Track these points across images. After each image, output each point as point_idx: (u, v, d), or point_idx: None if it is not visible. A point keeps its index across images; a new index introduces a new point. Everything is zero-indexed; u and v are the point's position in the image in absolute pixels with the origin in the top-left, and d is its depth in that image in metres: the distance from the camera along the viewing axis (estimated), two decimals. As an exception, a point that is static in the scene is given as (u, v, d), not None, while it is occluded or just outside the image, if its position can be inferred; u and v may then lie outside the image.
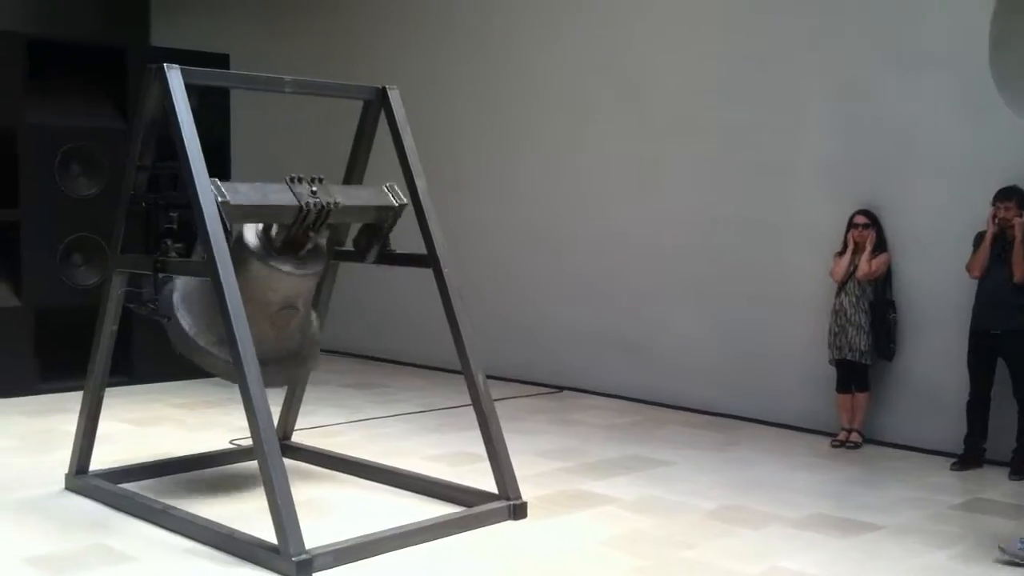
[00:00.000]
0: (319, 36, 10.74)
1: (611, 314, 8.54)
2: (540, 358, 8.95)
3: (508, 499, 5.25)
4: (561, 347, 8.85)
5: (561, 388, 8.76)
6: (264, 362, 4.87)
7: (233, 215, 4.86)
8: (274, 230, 5.26)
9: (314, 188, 5.13)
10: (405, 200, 5.49)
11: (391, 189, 5.49)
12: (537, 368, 8.94)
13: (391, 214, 5.48)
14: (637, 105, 8.35)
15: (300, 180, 5.14)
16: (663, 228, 8.24)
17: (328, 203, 5.14)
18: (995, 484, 6.17)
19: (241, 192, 4.96)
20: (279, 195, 5.07)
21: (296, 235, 5.23)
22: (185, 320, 5.30)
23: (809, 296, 7.37)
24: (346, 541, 4.63)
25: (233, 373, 4.73)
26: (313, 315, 5.80)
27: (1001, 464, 6.40)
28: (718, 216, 7.91)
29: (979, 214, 6.47)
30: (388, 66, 9.67)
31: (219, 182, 4.84)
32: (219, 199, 4.77)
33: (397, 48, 9.95)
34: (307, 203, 5.07)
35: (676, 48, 8.12)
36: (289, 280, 5.25)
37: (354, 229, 5.83)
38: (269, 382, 5.37)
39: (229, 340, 4.66)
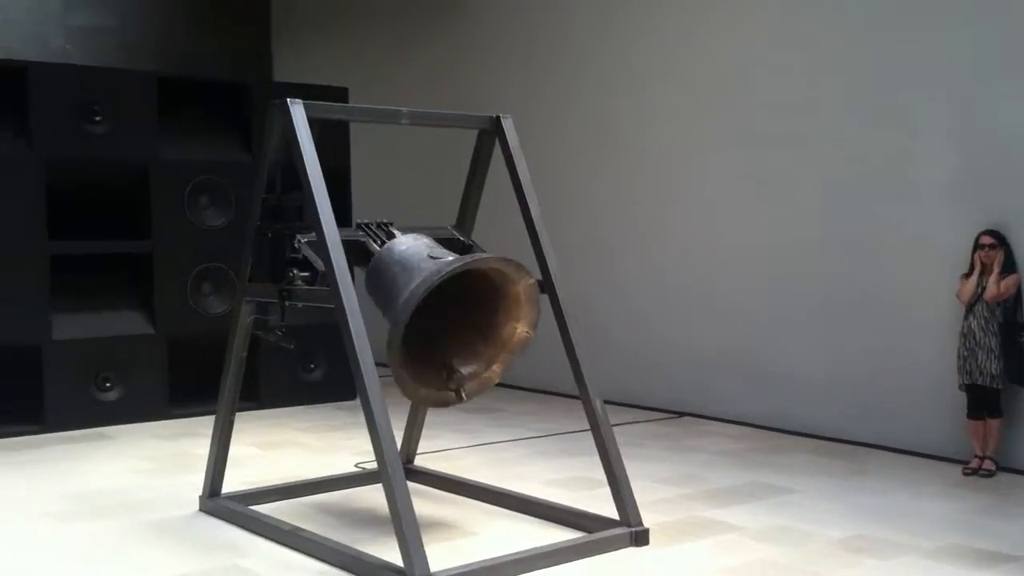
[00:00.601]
0: (436, 66, 10.96)
1: (730, 338, 8.43)
2: (657, 383, 8.89)
3: (629, 525, 5.22)
4: (679, 372, 8.78)
5: (680, 414, 8.68)
6: None
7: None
8: None
9: (381, 237, 5.29)
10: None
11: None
12: (654, 393, 8.87)
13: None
14: (752, 126, 8.26)
15: (368, 224, 5.36)
16: (784, 251, 8.11)
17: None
18: None
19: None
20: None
21: None
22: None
23: (936, 319, 7.15)
24: (469, 565, 4.67)
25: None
26: None
27: None
28: (840, 237, 7.75)
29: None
30: (502, 93, 9.80)
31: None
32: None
33: (511, 76, 10.08)
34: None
35: (789, 68, 8.02)
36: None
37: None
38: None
39: (352, 366, 4.76)
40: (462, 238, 5.83)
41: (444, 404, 5.30)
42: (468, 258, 5.06)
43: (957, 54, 7.07)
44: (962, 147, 7.09)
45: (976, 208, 6.95)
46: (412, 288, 4.73)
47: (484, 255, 5.25)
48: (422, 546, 4.49)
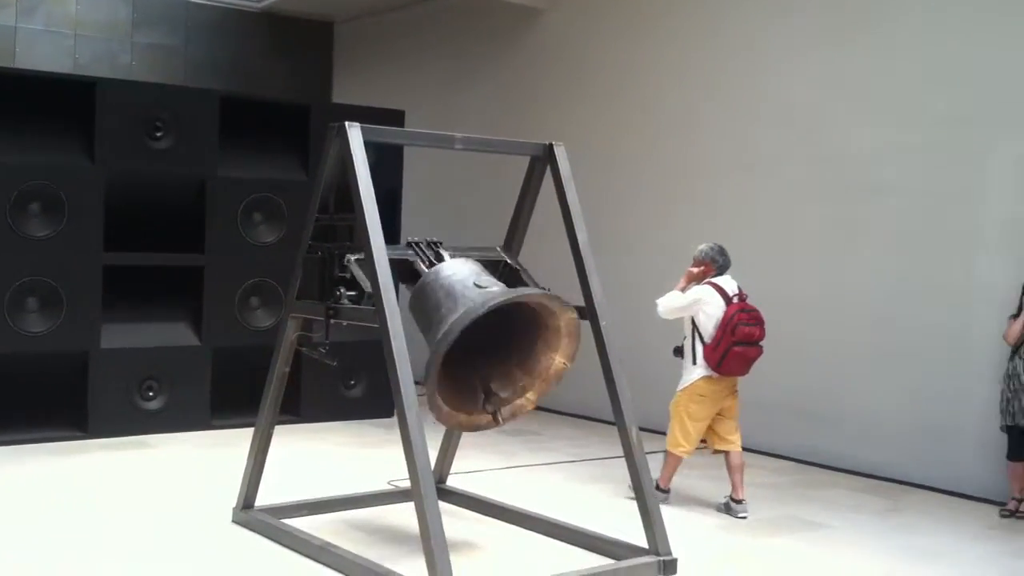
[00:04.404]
0: (493, 92, 11.08)
1: (781, 375, 8.35)
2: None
3: (658, 554, 5.23)
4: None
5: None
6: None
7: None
8: None
9: (428, 253, 5.34)
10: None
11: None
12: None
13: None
14: (823, 164, 8.21)
15: (418, 243, 5.40)
16: (842, 290, 8.05)
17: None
18: None
19: None
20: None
21: None
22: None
23: (986, 361, 7.07)
24: (496, 586, 4.72)
25: None
26: None
27: None
28: (900, 279, 7.69)
29: None
30: (558, 121, 9.84)
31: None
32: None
33: (567, 104, 10.15)
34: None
35: (860, 112, 7.98)
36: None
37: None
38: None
39: (392, 385, 4.83)
40: (509, 260, 5.90)
41: (478, 428, 5.36)
42: (513, 292, 5.09)
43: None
44: (1018, 189, 7.03)
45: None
46: (454, 319, 4.77)
47: (528, 290, 5.29)
48: (450, 566, 4.52)
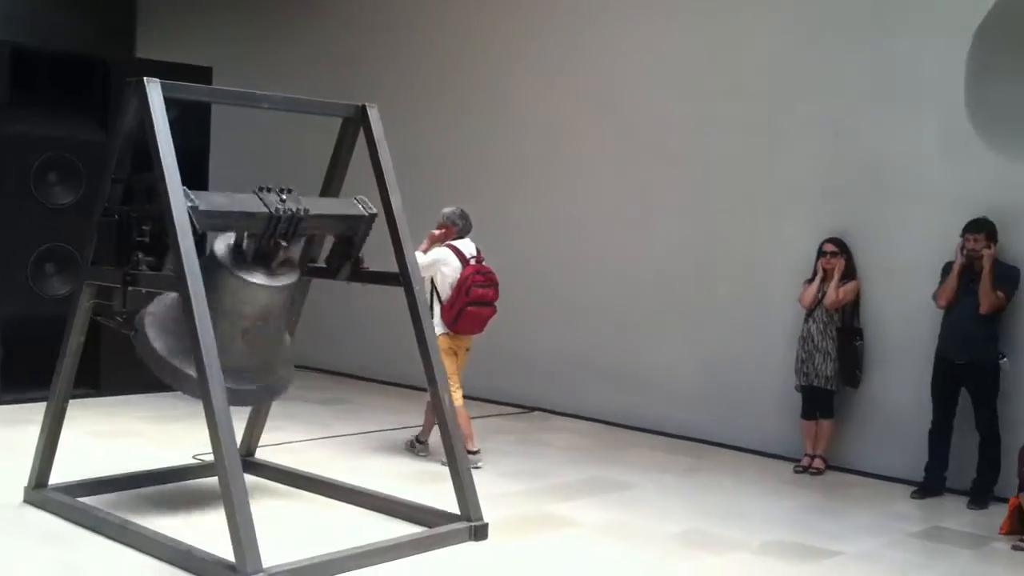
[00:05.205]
0: (305, 50, 10.77)
1: (585, 338, 8.57)
2: (512, 380, 8.95)
3: (469, 520, 5.25)
4: (534, 369, 8.87)
5: (531, 409, 8.78)
6: (238, 378, 4.92)
7: (203, 222, 4.87)
8: (245, 243, 5.27)
9: (283, 197, 5.16)
10: (375, 210, 5.51)
11: (361, 201, 5.53)
12: (508, 389, 8.95)
13: (362, 224, 5.50)
14: (621, 134, 8.40)
15: (269, 190, 5.17)
16: (642, 255, 8.28)
17: (298, 210, 5.16)
18: (955, 513, 6.22)
19: (211, 199, 4.99)
20: (249, 203, 5.09)
21: (267, 246, 5.23)
22: (154, 335, 5.30)
23: (782, 323, 7.42)
24: (304, 560, 4.62)
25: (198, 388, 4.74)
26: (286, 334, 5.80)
27: (961, 493, 6.46)
28: (698, 245, 7.97)
29: (949, 245, 6.55)
30: (372, 83, 9.65)
31: (189, 190, 4.85)
32: (189, 205, 4.79)
33: (382, 66, 9.98)
34: (277, 209, 5.09)
35: (664, 83, 8.16)
36: (262, 292, 5.25)
37: (326, 248, 5.85)
38: (244, 400, 5.40)
39: (195, 353, 4.66)
40: None
41: None
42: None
43: (823, 79, 7.31)
44: (820, 164, 7.36)
45: (825, 219, 7.24)
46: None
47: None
48: (255, 541, 4.41)
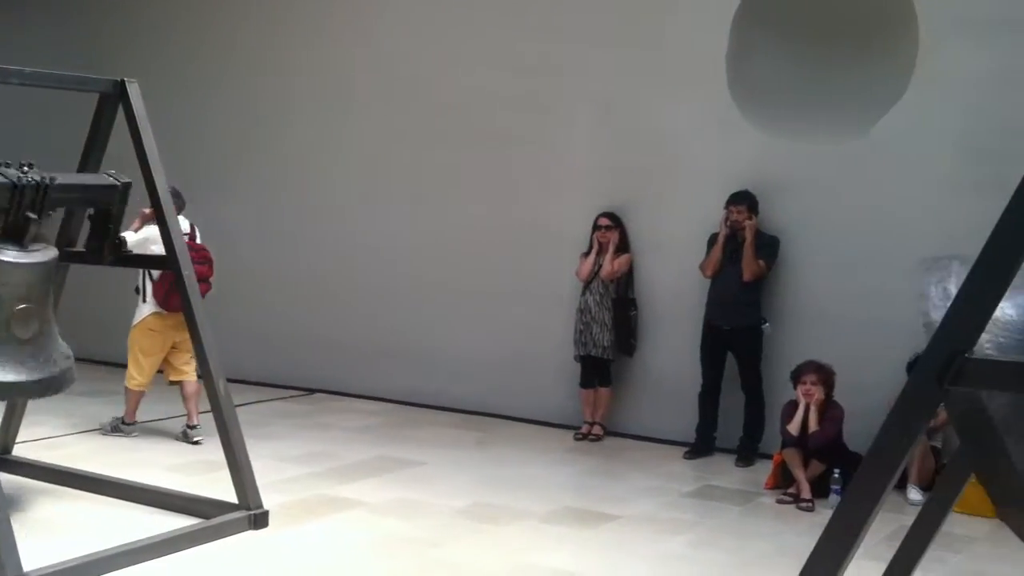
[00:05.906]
0: (59, 25, 10.01)
1: (366, 318, 8.43)
2: (292, 362, 8.72)
3: (248, 508, 5.05)
4: (315, 351, 8.65)
5: (311, 391, 8.58)
6: (17, 369, 4.68)
7: None
8: None
9: (25, 169, 4.79)
10: (127, 179, 5.20)
11: (112, 174, 5.21)
12: (288, 372, 8.71)
13: (115, 195, 5.17)
14: (401, 108, 8.28)
15: (8, 164, 4.78)
16: (422, 232, 8.22)
17: (43, 178, 4.79)
18: (724, 471, 6.54)
19: None
20: None
21: (16, 221, 4.83)
22: None
23: (561, 296, 7.54)
24: (70, 561, 4.31)
25: None
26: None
27: (729, 452, 6.79)
28: (479, 220, 7.97)
29: (715, 217, 6.84)
30: (136, 61, 9.07)
31: None
32: None
33: (147, 43, 9.41)
34: (19, 178, 4.71)
35: (447, 57, 8.08)
36: (17, 272, 4.84)
37: (84, 235, 5.48)
38: (26, 391, 5.01)
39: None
40: None
41: None
42: None
43: (605, 63, 7.42)
44: (600, 143, 7.52)
45: (602, 195, 7.40)
46: None
47: None
48: (14, 543, 4.08)
